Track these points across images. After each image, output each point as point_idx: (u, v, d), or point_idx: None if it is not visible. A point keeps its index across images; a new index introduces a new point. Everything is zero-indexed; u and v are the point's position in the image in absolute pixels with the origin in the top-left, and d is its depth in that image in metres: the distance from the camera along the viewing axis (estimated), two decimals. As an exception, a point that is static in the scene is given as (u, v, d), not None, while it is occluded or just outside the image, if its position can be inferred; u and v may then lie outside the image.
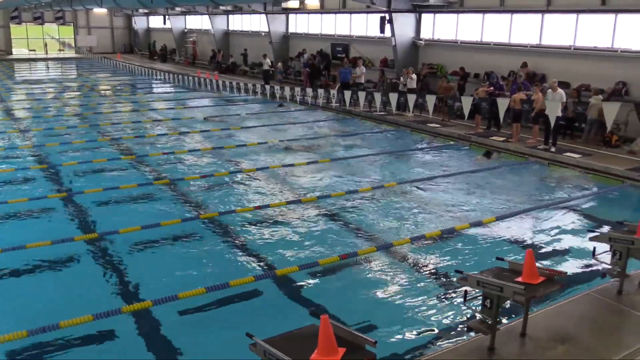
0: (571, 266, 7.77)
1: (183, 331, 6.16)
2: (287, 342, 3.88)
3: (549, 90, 14.19)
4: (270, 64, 27.73)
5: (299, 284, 7.25)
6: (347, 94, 20.30)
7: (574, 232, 9.18)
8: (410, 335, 6.06)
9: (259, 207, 10.05)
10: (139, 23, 49.55)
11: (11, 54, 46.46)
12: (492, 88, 16.66)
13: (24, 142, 15.51)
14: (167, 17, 40.36)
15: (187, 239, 8.72)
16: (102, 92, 27.88)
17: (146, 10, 41.74)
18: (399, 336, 6.02)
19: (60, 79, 33.84)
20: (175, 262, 7.93)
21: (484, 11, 19.55)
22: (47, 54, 48.76)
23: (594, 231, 6.76)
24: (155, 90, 29.10)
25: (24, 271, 7.52)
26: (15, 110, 21.54)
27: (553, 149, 13.80)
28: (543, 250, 8.37)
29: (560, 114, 13.76)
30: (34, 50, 49.31)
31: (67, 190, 11.13)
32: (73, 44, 49.71)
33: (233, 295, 6.81)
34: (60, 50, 50.16)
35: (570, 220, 9.80)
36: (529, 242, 8.70)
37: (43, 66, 41.59)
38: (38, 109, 21.86)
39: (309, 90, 22.38)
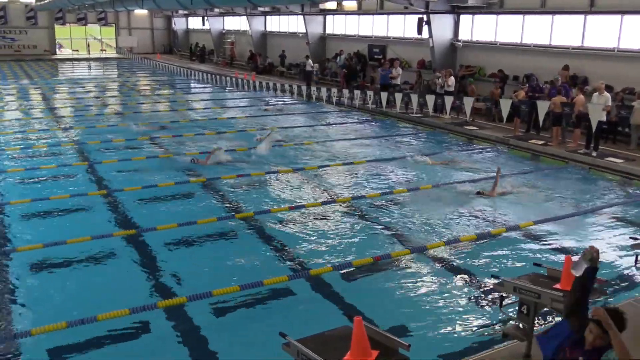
0: (612, 274, 7.56)
1: (216, 328, 6.23)
2: (320, 343, 3.89)
3: (595, 93, 13.84)
4: (312, 65, 27.77)
5: (332, 284, 7.24)
6: (384, 96, 20.22)
7: (615, 239, 8.93)
8: (444, 339, 5.99)
9: (294, 207, 10.09)
10: (179, 24, 50.36)
11: (55, 54, 47.79)
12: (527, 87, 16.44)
13: (66, 139, 15.92)
14: (206, 18, 40.89)
15: (222, 237, 8.81)
16: (142, 91, 28.43)
17: (185, 12, 42.35)
18: (433, 340, 5.96)
19: (101, 79, 34.62)
20: (211, 259, 8.02)
21: (524, 12, 19.21)
22: (89, 54, 49.97)
23: (636, 238, 6.56)
24: (193, 90, 29.50)
25: (65, 265, 7.72)
26: (59, 109, 22.14)
27: (594, 154, 13.48)
28: (582, 257, 8.16)
29: (604, 118, 13.44)
30: (77, 50, 50.60)
31: (107, 187, 11.37)
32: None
33: (267, 294, 6.86)
34: (102, 50, 51.33)
35: (611, 226, 9.55)
36: (568, 248, 8.51)
37: (85, 66, 42.62)
38: (80, 107, 22.42)
39: (346, 91, 22.36)
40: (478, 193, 10.83)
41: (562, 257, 7.28)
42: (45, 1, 42.38)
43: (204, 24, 42.32)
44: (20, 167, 12.73)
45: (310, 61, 27.71)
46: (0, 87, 27.78)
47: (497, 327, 6.18)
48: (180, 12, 43.75)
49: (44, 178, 11.89)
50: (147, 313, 6.25)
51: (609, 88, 15.65)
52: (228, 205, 10.40)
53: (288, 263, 7.92)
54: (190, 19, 48.05)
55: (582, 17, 17.27)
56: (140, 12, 47.86)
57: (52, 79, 33.11)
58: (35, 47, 46.73)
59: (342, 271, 7.52)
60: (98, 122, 18.51)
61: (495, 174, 11.22)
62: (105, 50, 51.68)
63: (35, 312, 6.44)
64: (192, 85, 31.27)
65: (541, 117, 15.06)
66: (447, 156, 14.02)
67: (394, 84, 21.57)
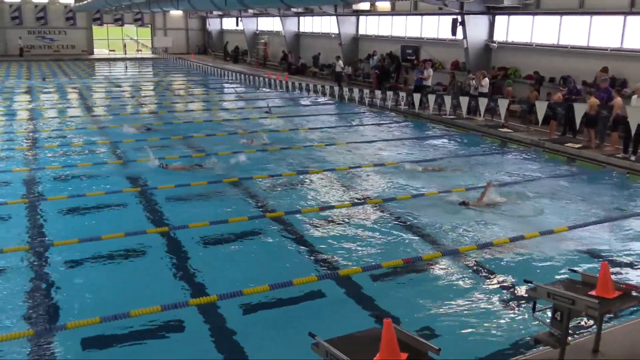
0: (650, 281, 7.37)
1: (246, 326, 6.26)
2: (349, 344, 3.87)
3: (634, 95, 13.49)
4: (342, 66, 27.80)
5: (361, 285, 7.22)
6: (417, 97, 20.07)
7: (653, 245, 8.71)
8: (474, 344, 5.92)
9: (324, 208, 10.10)
10: (213, 25, 50.91)
11: (92, 53, 48.83)
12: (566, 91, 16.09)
13: (102, 137, 16.23)
14: (239, 19, 41.25)
15: (253, 236, 8.87)
16: (176, 91, 28.84)
17: (220, 12, 42.81)
18: (463, 344, 5.89)
19: (137, 78, 35.23)
20: (241, 258, 8.09)
21: (561, 13, 18.85)
22: (125, 54, 50.91)
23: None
24: (226, 90, 29.78)
25: (99, 261, 7.87)
26: (95, 108, 22.60)
27: (633, 158, 13.15)
28: (619, 263, 7.98)
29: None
30: (114, 50, 51.64)
31: (141, 184, 11.55)
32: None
33: (296, 294, 6.87)
34: (138, 50, 52.27)
35: (649, 233, 9.31)
36: (604, 254, 8.32)
37: (121, 66, 43.42)
38: (115, 106, 22.85)
39: (378, 92, 22.28)
40: (462, 203, 10.25)
41: (597, 263, 7.13)
42: (84, 2, 43.34)
43: (237, 25, 42.69)
44: (58, 164, 13.04)
45: (340, 62, 27.73)
46: (39, 86, 28.50)
47: (529, 333, 6.08)
48: (215, 13, 44.26)
49: (81, 175, 12.15)
50: (178, 310, 6.33)
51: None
52: (259, 204, 10.46)
53: (317, 263, 7.93)
54: (224, 19, 48.56)
55: (621, 17, 16.86)
56: (176, 13, 48.60)
57: (89, 78, 33.83)
58: (74, 47, 47.83)
59: (372, 272, 7.50)
60: (133, 121, 18.81)
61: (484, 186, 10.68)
62: (141, 51, 52.60)
63: (71, 306, 6.59)
64: (225, 85, 31.57)
65: (578, 120, 14.74)
66: (438, 163, 13.33)
67: (425, 85, 21.36)
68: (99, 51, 50.55)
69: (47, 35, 47.09)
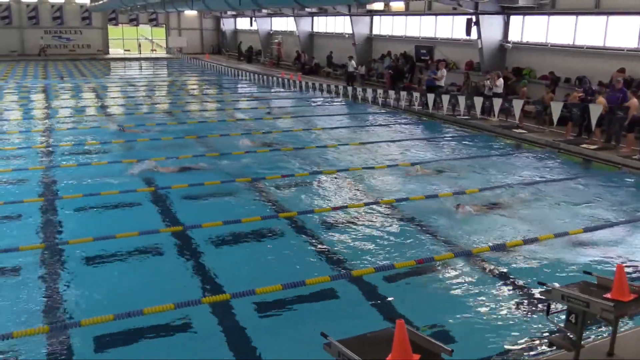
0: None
1: (258, 325, 6.28)
2: (362, 345, 3.87)
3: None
4: (354, 66, 27.77)
5: (374, 286, 7.21)
6: (430, 97, 19.99)
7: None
8: (487, 346, 5.88)
9: (337, 208, 10.10)
10: (227, 25, 51.06)
11: (108, 53, 49.19)
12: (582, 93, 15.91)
13: (117, 137, 16.34)
14: (253, 18, 41.34)
15: (266, 236, 8.89)
16: (190, 91, 28.97)
17: (234, 13, 42.93)
18: (475, 347, 5.86)
19: (151, 78, 35.43)
20: (254, 257, 8.11)
21: (577, 13, 18.67)
22: (140, 54, 51.21)
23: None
24: (240, 90, 29.86)
25: (113, 259, 7.93)
26: (110, 107, 22.76)
27: (649, 160, 13.02)
28: (634, 267, 7.89)
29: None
30: (129, 50, 51.97)
31: (155, 184, 11.61)
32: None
33: (308, 294, 6.88)
34: (152, 50, 52.55)
35: (666, 235, 9.19)
36: (619, 256, 8.22)
37: (136, 65, 43.69)
38: (130, 106, 23.00)
39: (391, 93, 22.22)
40: (458, 206, 10.09)
41: (613, 266, 7.06)
42: (100, 2, 43.69)
43: (251, 25, 42.78)
44: (73, 162, 13.15)
45: (353, 62, 27.69)
46: (56, 85, 28.76)
47: (542, 335, 6.03)
48: (229, 13, 44.40)
49: (95, 174, 12.22)
50: (191, 308, 6.36)
51: (666, 91, 15.08)
52: (272, 204, 10.48)
53: (330, 263, 7.93)
54: (238, 19, 48.69)
55: (638, 18, 16.67)
56: (190, 13, 48.79)
57: (105, 78, 34.09)
58: (89, 47, 48.20)
59: (385, 273, 7.48)
60: (148, 121, 18.93)
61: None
62: (155, 50, 52.85)
63: (85, 303, 6.65)
64: (239, 85, 31.64)
65: (593, 121, 14.60)
66: (438, 163, 13.26)
67: (437, 85, 21.22)
68: (114, 51, 50.85)
69: (63, 35, 47.50)
